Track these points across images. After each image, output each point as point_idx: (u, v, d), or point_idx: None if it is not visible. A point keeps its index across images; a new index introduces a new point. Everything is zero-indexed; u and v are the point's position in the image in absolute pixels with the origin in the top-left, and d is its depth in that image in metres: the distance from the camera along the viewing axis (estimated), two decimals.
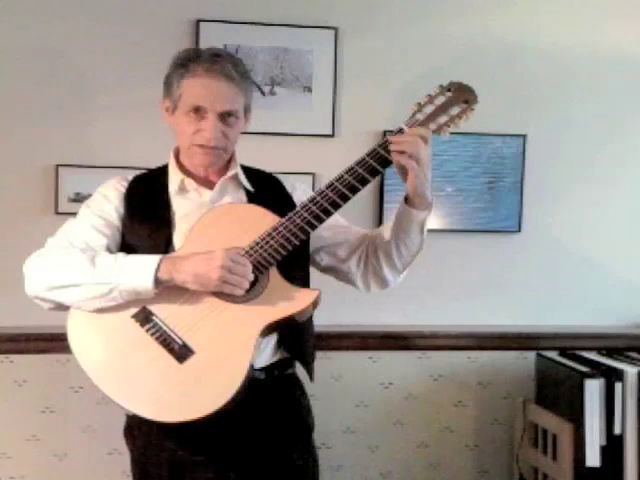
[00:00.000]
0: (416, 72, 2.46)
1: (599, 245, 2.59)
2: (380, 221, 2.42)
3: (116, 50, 2.33)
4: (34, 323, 2.26)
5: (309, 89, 2.40)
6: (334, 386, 2.44)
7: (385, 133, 2.42)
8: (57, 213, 2.30)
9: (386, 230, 1.63)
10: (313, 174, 2.38)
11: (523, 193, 2.51)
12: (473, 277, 2.53)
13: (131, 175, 1.67)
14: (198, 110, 1.54)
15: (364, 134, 2.44)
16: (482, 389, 2.53)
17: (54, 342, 2.27)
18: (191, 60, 1.56)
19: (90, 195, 1.65)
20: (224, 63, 1.55)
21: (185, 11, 2.34)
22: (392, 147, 1.47)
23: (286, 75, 2.38)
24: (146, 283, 1.42)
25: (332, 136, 2.43)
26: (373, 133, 2.44)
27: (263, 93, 2.37)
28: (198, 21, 2.33)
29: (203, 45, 2.30)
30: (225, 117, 1.56)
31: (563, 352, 2.40)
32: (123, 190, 1.62)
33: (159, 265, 1.42)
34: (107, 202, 1.60)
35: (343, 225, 1.72)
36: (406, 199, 1.55)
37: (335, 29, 2.41)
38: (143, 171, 1.71)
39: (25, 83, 2.31)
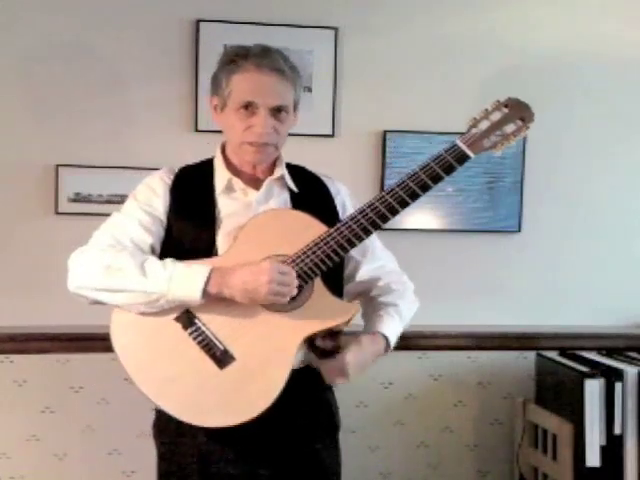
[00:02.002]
0: (416, 72, 2.46)
1: (599, 245, 2.59)
2: None
3: (115, 50, 2.32)
4: (34, 323, 2.27)
5: (309, 89, 2.40)
6: (334, 386, 2.43)
7: (385, 133, 2.43)
8: (57, 213, 2.29)
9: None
10: None
11: (523, 193, 2.51)
12: (473, 277, 2.53)
13: (177, 167, 1.64)
14: (249, 106, 1.52)
15: (364, 134, 2.44)
16: (482, 389, 2.53)
17: (54, 342, 2.28)
18: (240, 56, 1.53)
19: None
20: (274, 57, 1.53)
21: (185, 11, 2.34)
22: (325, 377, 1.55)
23: None
24: (194, 295, 1.42)
25: (332, 136, 2.43)
26: (373, 133, 2.44)
27: None
28: (198, 21, 2.33)
29: (203, 45, 2.30)
30: (276, 112, 1.53)
31: (563, 352, 2.40)
32: (170, 182, 1.60)
33: (209, 278, 1.42)
34: (154, 195, 1.58)
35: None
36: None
37: (335, 29, 2.40)
38: (191, 163, 1.67)
39: (24, 84, 2.30)
